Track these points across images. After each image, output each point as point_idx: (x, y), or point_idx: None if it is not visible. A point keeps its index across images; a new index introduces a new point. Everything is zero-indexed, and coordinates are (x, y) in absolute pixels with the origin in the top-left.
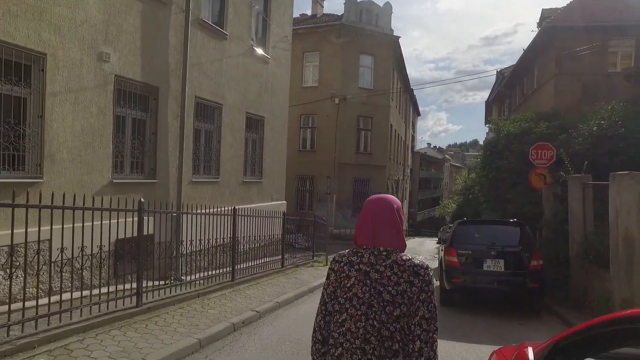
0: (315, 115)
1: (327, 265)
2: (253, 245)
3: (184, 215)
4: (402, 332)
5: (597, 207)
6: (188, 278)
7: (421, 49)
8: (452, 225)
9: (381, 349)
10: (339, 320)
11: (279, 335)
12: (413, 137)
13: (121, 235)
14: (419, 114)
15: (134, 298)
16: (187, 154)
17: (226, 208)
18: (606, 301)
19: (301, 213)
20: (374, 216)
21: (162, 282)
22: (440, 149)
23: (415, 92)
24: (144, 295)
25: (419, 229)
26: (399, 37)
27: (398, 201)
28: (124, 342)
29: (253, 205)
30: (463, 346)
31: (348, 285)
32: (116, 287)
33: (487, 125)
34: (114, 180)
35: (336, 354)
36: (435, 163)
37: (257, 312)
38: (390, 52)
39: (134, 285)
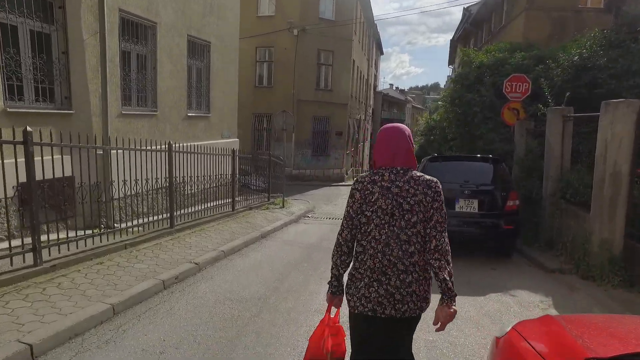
0: (272, 48)
1: (283, 207)
2: (201, 187)
3: (113, 153)
4: (417, 235)
5: (574, 144)
6: (122, 226)
7: None
8: (419, 163)
9: (399, 251)
10: (367, 230)
11: (219, 293)
12: (375, 77)
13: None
14: (382, 53)
15: (31, 255)
16: (114, 81)
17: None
18: (583, 242)
19: (257, 152)
20: (390, 141)
21: (95, 231)
22: (402, 91)
23: (379, 31)
24: (46, 250)
25: None
26: None
27: (408, 128)
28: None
29: (200, 143)
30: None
31: (372, 199)
32: (30, 242)
33: (450, 67)
34: (9, 109)
35: (363, 259)
36: (398, 104)
37: (195, 264)
38: None
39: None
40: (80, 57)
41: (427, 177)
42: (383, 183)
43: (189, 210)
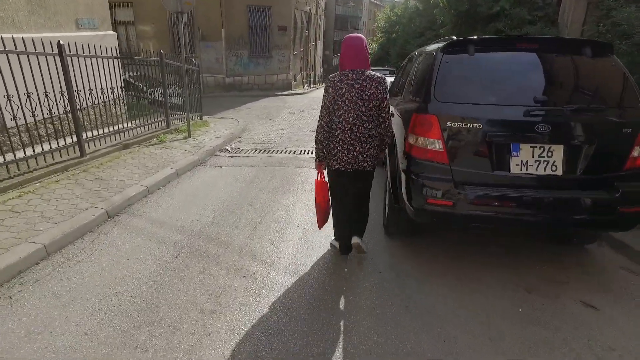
0: None
1: (190, 137)
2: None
3: None
4: (373, 117)
5: None
6: None
7: None
8: (422, 54)
9: (361, 128)
10: (338, 114)
11: None
12: None
13: None
14: None
15: None
16: None
17: None
18: None
19: (127, 53)
20: (355, 49)
21: None
22: None
23: None
24: None
25: None
26: None
27: (365, 38)
28: None
29: (25, 35)
30: None
31: (341, 93)
32: None
33: None
34: None
35: (337, 134)
36: None
37: None
38: None
39: None
40: None
41: (378, 75)
42: (348, 81)
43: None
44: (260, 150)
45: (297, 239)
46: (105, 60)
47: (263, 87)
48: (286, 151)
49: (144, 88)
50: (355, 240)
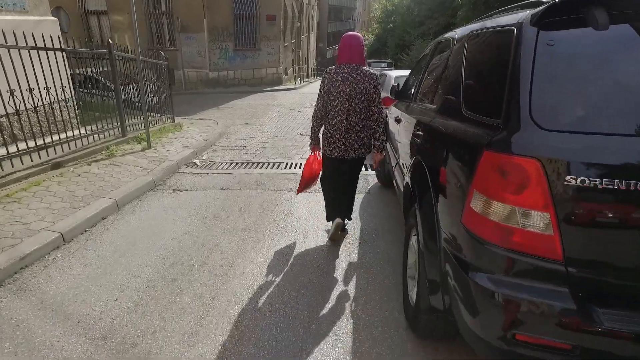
0: None
1: (150, 147)
2: None
3: None
4: (364, 109)
5: None
6: None
7: None
8: (476, 35)
9: (355, 118)
10: (334, 104)
11: None
12: None
13: None
14: None
15: None
16: None
17: None
18: None
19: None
20: (350, 45)
21: None
22: None
23: None
24: None
25: None
26: None
27: (362, 36)
28: None
29: None
30: None
31: (337, 84)
32: None
33: None
34: None
35: (333, 122)
36: None
37: None
38: None
39: None
40: None
41: (371, 71)
42: (344, 74)
43: None
44: (236, 164)
45: (268, 343)
46: (43, 53)
47: (251, 83)
48: (268, 164)
49: (112, 86)
50: (338, 220)
